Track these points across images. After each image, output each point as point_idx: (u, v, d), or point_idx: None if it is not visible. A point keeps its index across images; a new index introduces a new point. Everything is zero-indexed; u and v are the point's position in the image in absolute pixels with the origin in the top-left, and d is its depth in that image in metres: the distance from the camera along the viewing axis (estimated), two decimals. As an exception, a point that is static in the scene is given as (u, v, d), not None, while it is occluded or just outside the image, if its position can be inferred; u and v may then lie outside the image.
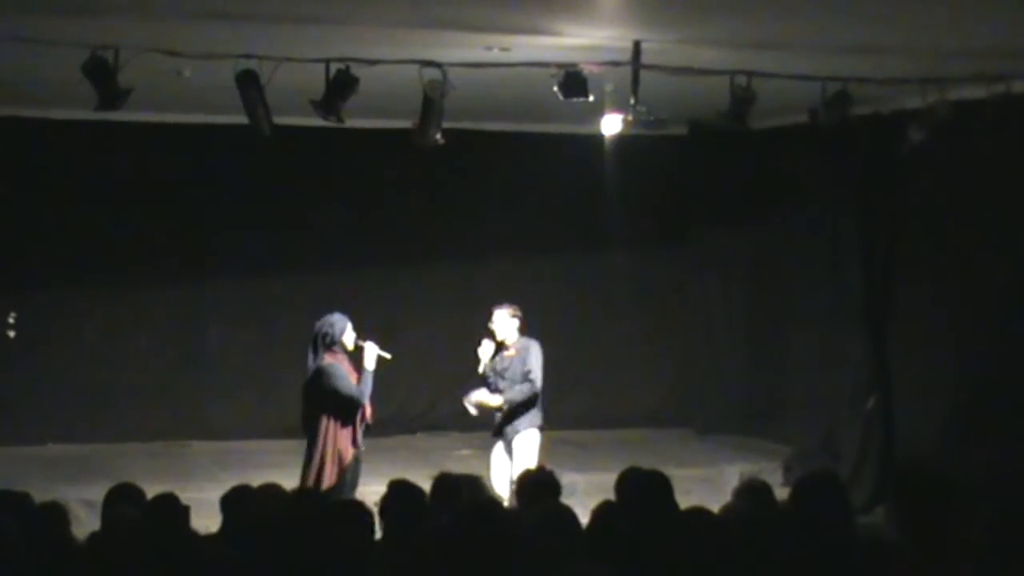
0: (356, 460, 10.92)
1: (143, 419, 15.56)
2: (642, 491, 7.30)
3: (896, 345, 13.74)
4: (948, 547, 6.17)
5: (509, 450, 11.62)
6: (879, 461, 13.54)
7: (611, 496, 7.50)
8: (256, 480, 7.71)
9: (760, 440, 15.86)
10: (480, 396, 11.63)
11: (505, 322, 11.65)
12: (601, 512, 7.05)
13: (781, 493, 10.89)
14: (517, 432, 11.58)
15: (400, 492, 8.13)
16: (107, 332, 15.79)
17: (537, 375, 11.59)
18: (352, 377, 10.88)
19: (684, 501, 7.25)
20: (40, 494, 7.82)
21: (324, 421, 10.82)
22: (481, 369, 11.68)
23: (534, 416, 11.67)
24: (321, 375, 10.84)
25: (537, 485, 7.90)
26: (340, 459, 10.80)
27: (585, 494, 10.57)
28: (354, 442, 10.89)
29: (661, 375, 17.29)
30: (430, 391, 16.10)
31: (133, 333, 15.89)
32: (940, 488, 6.38)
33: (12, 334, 15.30)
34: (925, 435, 12.92)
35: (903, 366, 13.63)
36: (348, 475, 10.72)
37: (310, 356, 10.98)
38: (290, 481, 7.97)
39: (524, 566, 5.97)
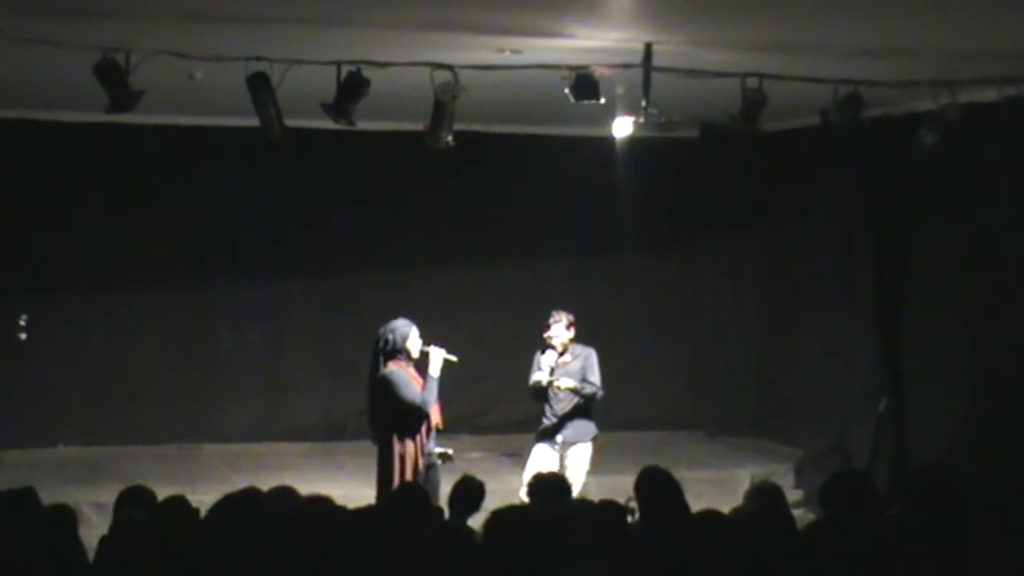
0: (431, 466, 10.76)
1: (154, 422, 15.57)
2: (655, 489, 7.31)
3: (908, 347, 13.72)
4: (961, 551, 6.17)
5: (560, 457, 11.57)
6: (891, 463, 13.52)
7: (622, 498, 7.52)
8: (267, 483, 7.72)
9: (771, 442, 15.84)
10: (566, 382, 11.57)
11: (562, 331, 11.66)
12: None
13: (792, 495, 10.90)
14: (574, 443, 11.58)
15: (408, 494, 8.16)
16: (117, 334, 15.80)
17: (599, 383, 11.62)
18: (416, 383, 10.74)
19: (695, 504, 7.27)
20: (51, 496, 7.83)
21: (391, 430, 10.69)
22: (544, 380, 11.59)
23: (590, 427, 11.69)
24: (384, 384, 10.69)
25: (549, 488, 7.92)
26: (413, 466, 10.63)
27: (597, 496, 10.57)
28: (424, 448, 10.77)
29: (672, 377, 17.29)
30: (441, 393, 16.11)
31: (144, 335, 15.90)
32: (955, 493, 6.38)
33: (23, 336, 15.33)
34: (937, 437, 12.90)
35: (915, 368, 13.61)
36: (421, 481, 10.40)
37: (373, 363, 10.85)
38: (301, 484, 7.94)
39: (539, 565, 5.99)
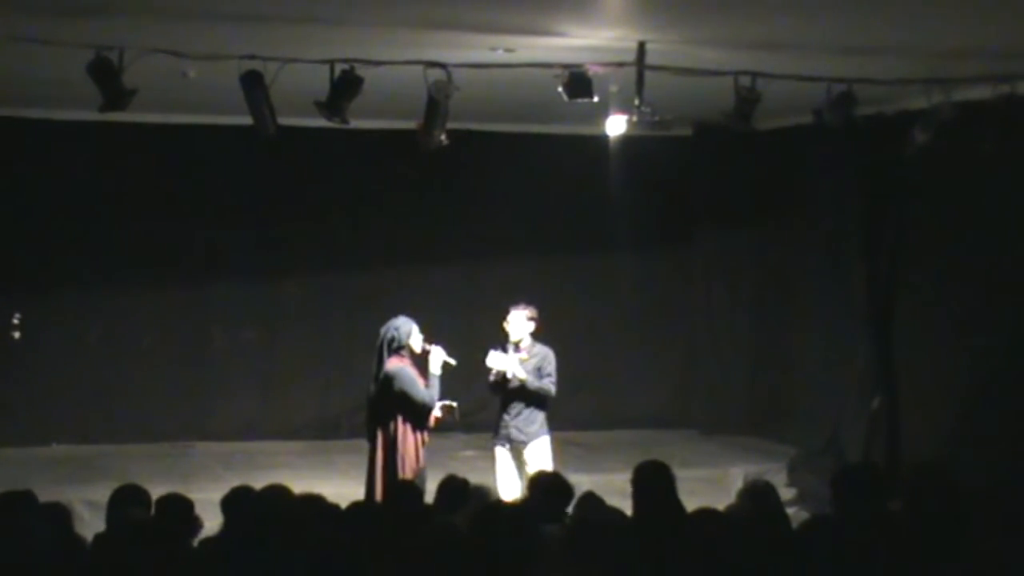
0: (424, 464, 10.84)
1: (147, 420, 15.56)
2: (649, 482, 7.31)
3: (901, 346, 13.73)
4: (956, 549, 6.18)
5: (516, 456, 11.57)
6: (884, 462, 13.52)
7: (616, 498, 7.52)
8: (260, 481, 7.71)
9: (765, 441, 15.85)
10: (507, 363, 11.47)
11: (521, 324, 11.57)
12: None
13: (786, 494, 10.88)
14: (529, 441, 11.53)
15: (401, 493, 8.15)
16: (111, 333, 15.80)
17: (554, 382, 11.56)
18: (419, 381, 10.79)
19: (689, 502, 7.26)
20: (44, 495, 7.81)
21: (396, 425, 10.72)
22: (493, 377, 11.55)
23: (544, 423, 11.62)
24: (391, 380, 10.72)
25: (549, 489, 7.90)
26: (415, 462, 10.67)
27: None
28: (423, 446, 10.80)
29: (666, 376, 17.28)
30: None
31: (137, 334, 15.90)
32: (950, 491, 6.39)
33: (17, 335, 15.32)
34: (930, 436, 12.92)
35: (908, 367, 13.62)
36: (419, 479, 10.42)
37: (376, 359, 10.87)
38: (295, 482, 7.94)
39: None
